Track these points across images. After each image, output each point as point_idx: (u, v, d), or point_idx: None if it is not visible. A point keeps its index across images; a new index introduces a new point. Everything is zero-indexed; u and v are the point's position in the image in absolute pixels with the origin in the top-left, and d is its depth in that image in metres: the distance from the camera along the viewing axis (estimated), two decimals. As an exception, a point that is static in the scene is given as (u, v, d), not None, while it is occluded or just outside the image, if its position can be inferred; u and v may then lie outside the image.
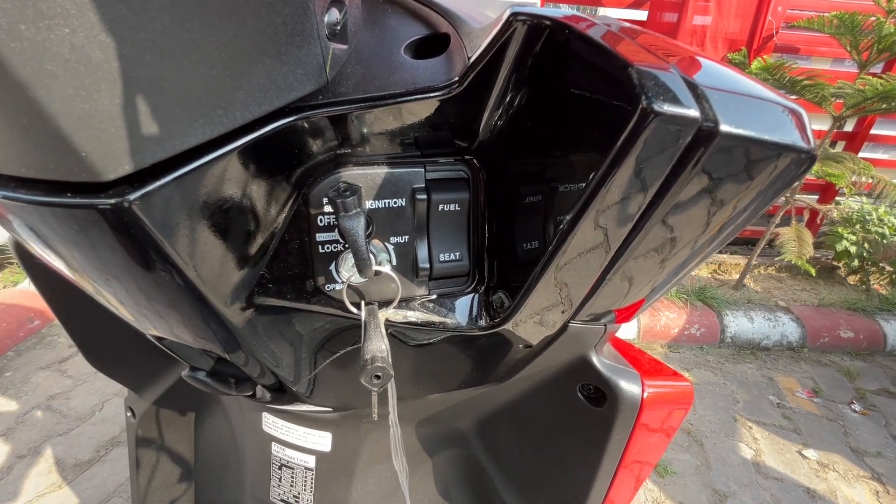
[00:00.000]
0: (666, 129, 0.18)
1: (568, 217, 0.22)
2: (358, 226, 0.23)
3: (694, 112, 0.18)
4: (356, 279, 0.27)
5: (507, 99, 0.26)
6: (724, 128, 0.18)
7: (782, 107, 0.20)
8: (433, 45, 0.28)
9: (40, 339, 2.00)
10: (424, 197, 0.27)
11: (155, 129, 0.16)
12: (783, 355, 2.26)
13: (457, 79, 0.24)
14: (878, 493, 1.57)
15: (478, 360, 0.34)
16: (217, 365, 0.35)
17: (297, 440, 0.48)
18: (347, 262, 0.27)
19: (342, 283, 0.27)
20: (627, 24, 0.24)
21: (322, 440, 0.47)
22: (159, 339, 0.33)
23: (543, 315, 0.28)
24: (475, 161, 0.28)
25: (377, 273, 0.26)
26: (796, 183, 0.24)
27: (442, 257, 0.28)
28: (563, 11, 0.23)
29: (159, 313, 0.24)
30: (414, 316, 0.29)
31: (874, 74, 2.28)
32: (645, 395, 0.32)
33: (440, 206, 0.27)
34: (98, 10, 0.14)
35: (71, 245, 0.20)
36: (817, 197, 2.94)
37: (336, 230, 0.27)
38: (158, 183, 0.18)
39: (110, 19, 0.14)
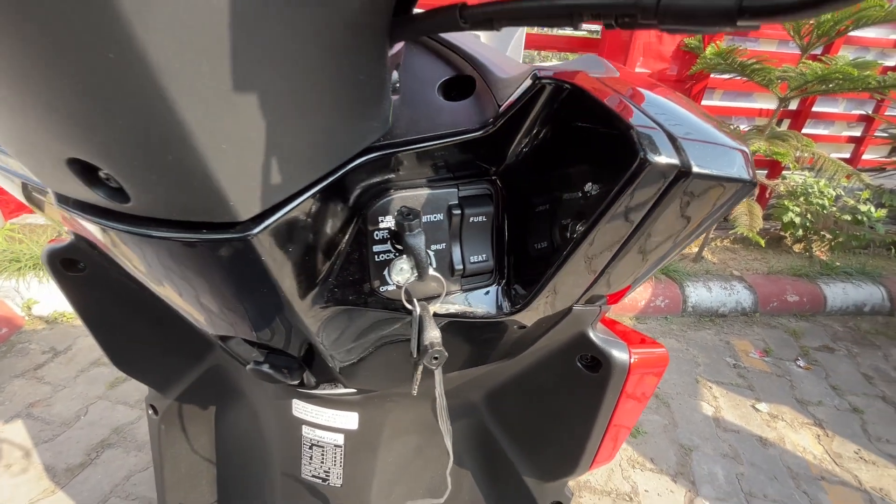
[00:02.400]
0: (656, 172, 0.24)
1: (580, 228, 0.28)
2: (421, 241, 0.29)
3: (675, 161, 0.24)
4: (410, 282, 0.32)
5: (528, 139, 0.32)
6: (695, 170, 0.24)
7: (734, 149, 0.27)
8: (460, 85, 0.33)
9: (10, 348, 1.93)
10: (459, 212, 0.32)
11: (279, 179, 0.21)
12: (738, 320, 2.47)
13: (490, 121, 0.30)
14: (819, 437, 1.78)
15: (494, 340, 0.41)
16: (270, 358, 0.40)
17: (327, 421, 0.53)
18: (396, 267, 0.32)
19: (393, 285, 0.33)
20: (627, 72, 0.30)
21: (350, 420, 0.53)
22: (224, 339, 0.38)
23: (553, 302, 0.34)
24: (498, 181, 0.34)
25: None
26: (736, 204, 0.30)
27: (472, 259, 0.34)
28: (576, 68, 0.28)
29: (248, 319, 0.29)
30: (453, 308, 0.35)
31: (815, 56, 2.46)
32: (632, 360, 0.40)
33: (470, 218, 0.33)
34: (260, 103, 0.18)
35: (191, 270, 0.24)
36: (766, 173, 3.16)
37: (388, 242, 0.32)
38: (273, 218, 0.23)
39: (267, 109, 0.19)
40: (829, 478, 1.61)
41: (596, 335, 0.40)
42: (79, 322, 1.72)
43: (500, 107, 0.30)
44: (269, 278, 0.26)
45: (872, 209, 2.85)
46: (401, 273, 0.32)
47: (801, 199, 2.83)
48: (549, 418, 0.51)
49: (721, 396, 1.93)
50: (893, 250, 3.10)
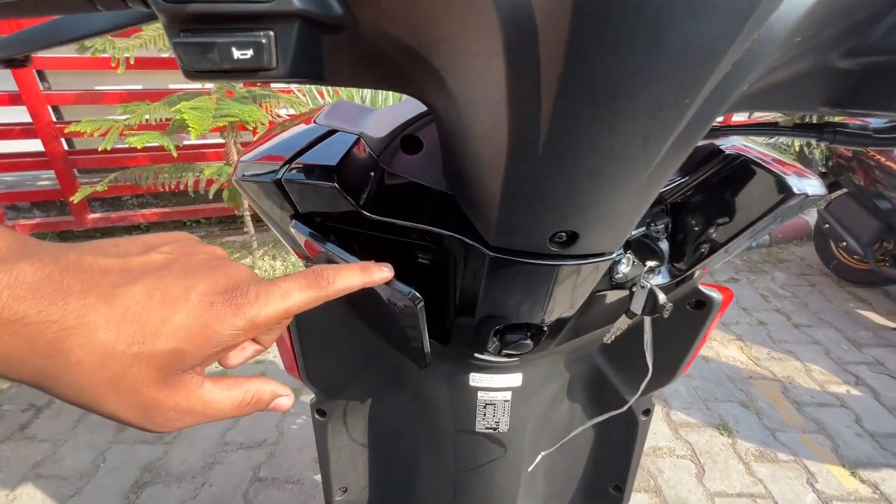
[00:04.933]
0: (796, 198, 0.46)
1: (725, 239, 0.50)
2: (666, 245, 0.49)
3: (804, 190, 0.46)
4: (643, 269, 0.52)
5: (695, 184, 0.52)
6: (810, 193, 0.46)
7: (815, 177, 0.50)
8: None
9: (-23, 414, 1.75)
10: (652, 226, 0.52)
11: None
12: (667, 268, 2.97)
13: (687, 175, 0.50)
14: (741, 348, 2.28)
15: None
16: (513, 335, 0.58)
17: (498, 384, 0.71)
18: (622, 263, 0.51)
19: (621, 273, 0.52)
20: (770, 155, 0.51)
21: (515, 379, 0.71)
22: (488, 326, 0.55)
23: (692, 272, 0.56)
24: (667, 206, 0.54)
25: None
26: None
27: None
28: (745, 145, 0.49)
29: (557, 308, 0.47)
30: (658, 282, 0.55)
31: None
32: (722, 299, 0.64)
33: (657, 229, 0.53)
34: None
35: (547, 281, 0.42)
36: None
37: (620, 249, 0.51)
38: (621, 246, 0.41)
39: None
40: (754, 376, 2.10)
41: (700, 286, 0.63)
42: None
43: (692, 166, 0.50)
44: (597, 279, 0.44)
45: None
46: (625, 266, 0.51)
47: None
48: (656, 349, 0.75)
49: (669, 331, 2.38)
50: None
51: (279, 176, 0.43)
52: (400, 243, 0.52)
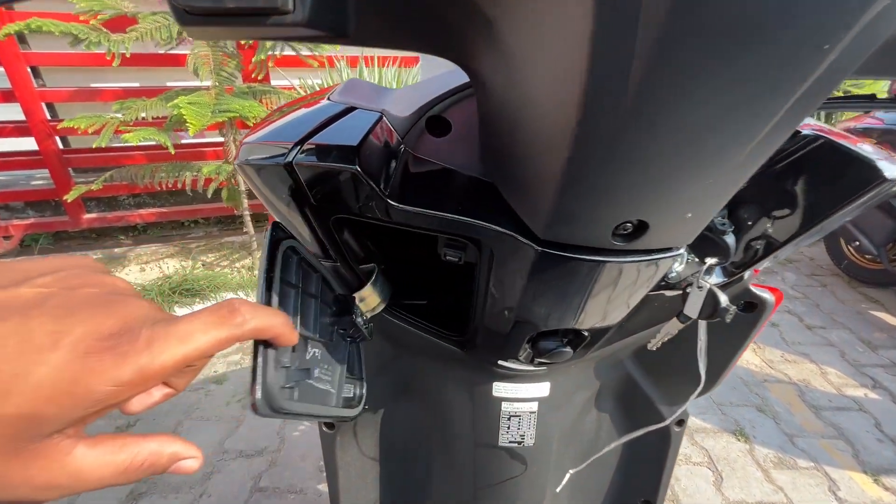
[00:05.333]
0: (886, 186, 0.40)
1: (794, 231, 0.44)
2: (733, 239, 0.43)
3: (893, 175, 0.40)
4: (702, 267, 0.46)
5: (773, 166, 0.46)
6: None
7: None
8: None
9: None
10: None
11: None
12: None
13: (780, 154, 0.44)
14: (755, 350, 2.23)
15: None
16: (548, 341, 0.52)
17: (524, 394, 0.65)
18: (678, 262, 0.46)
19: (674, 272, 0.46)
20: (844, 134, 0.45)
21: (543, 388, 0.65)
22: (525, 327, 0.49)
23: (745, 271, 0.51)
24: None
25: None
26: None
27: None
28: (819, 124, 0.43)
29: (602, 312, 0.41)
30: (714, 282, 0.49)
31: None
32: (774, 300, 0.58)
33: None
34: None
35: (597, 280, 0.36)
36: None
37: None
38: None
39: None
40: (769, 379, 2.04)
41: (751, 287, 0.57)
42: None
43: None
44: (657, 278, 0.38)
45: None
46: (679, 263, 0.45)
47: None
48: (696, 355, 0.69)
49: (679, 332, 2.32)
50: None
51: (290, 158, 0.37)
52: (425, 238, 0.46)
